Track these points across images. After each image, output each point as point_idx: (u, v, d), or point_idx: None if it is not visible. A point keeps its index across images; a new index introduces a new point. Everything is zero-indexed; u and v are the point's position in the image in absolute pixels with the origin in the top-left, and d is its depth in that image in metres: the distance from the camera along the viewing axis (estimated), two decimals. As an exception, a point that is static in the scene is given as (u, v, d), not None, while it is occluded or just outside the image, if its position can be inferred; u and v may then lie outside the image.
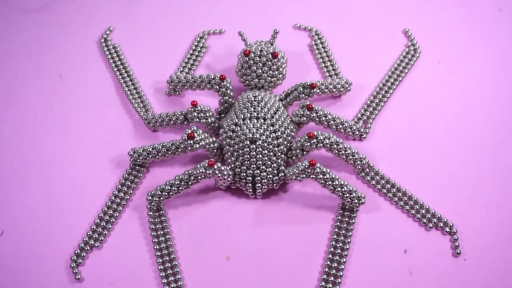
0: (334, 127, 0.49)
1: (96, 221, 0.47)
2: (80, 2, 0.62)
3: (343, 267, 0.44)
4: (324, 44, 0.58)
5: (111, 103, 0.55)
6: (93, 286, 0.44)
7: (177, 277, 0.44)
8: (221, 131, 0.48)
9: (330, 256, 0.44)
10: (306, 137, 0.46)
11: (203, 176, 0.45)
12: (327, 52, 0.57)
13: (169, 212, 0.48)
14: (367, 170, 0.49)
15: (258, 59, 0.50)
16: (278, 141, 0.47)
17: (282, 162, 0.47)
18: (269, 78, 0.51)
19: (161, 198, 0.46)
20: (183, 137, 0.47)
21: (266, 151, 0.46)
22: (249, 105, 0.48)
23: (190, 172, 0.45)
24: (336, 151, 0.47)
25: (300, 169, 0.44)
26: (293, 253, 0.45)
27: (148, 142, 0.51)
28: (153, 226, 0.46)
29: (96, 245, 0.46)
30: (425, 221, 0.46)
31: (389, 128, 0.52)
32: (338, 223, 0.46)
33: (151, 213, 0.47)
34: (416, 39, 0.58)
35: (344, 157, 0.47)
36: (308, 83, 0.50)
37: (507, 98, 0.54)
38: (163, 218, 0.47)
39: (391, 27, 0.59)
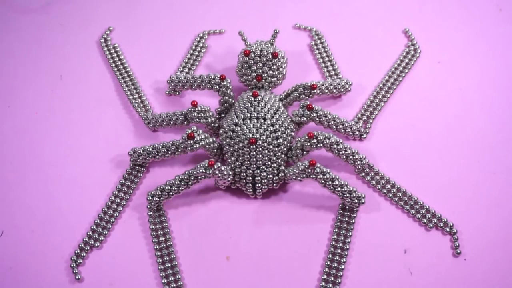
0: (334, 127, 0.49)
1: (96, 221, 0.47)
2: (80, 2, 0.62)
3: (343, 267, 0.44)
4: (324, 44, 0.58)
5: (111, 103, 0.55)
6: (93, 286, 0.44)
7: (177, 277, 0.44)
8: (221, 131, 0.48)
9: (330, 256, 0.44)
10: (306, 137, 0.46)
11: (203, 176, 0.45)
12: (327, 52, 0.57)
13: (169, 212, 0.48)
14: (367, 170, 0.49)
15: (258, 59, 0.50)
16: (278, 141, 0.47)
17: (282, 162, 0.47)
18: (269, 78, 0.51)
19: (161, 198, 0.46)
20: (183, 137, 0.47)
21: (266, 151, 0.46)
22: (249, 105, 0.48)
23: (190, 172, 0.45)
24: (336, 151, 0.47)
25: (300, 169, 0.44)
26: (293, 253, 0.45)
27: (148, 142, 0.51)
28: (153, 226, 0.46)
29: (96, 245, 0.46)
30: (425, 221, 0.46)
31: (389, 128, 0.52)
32: (338, 223, 0.46)
33: (151, 213, 0.47)
34: (416, 39, 0.58)
35: (344, 157, 0.47)
36: (309, 84, 0.50)
37: (507, 98, 0.54)
38: (163, 218, 0.47)
39: (391, 27, 0.59)
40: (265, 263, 0.45)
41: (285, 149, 0.47)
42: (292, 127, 0.49)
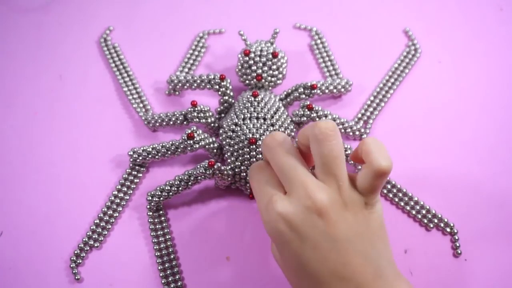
0: (334, 127, 0.50)
1: (95, 221, 0.47)
2: (80, 2, 0.62)
3: (343, 267, 0.44)
4: (324, 44, 0.58)
5: (111, 103, 0.55)
6: (93, 286, 0.44)
7: (177, 277, 0.44)
8: (221, 131, 0.48)
9: (330, 256, 0.44)
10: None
11: (203, 176, 0.45)
12: (327, 52, 0.57)
13: (169, 212, 0.48)
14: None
15: (258, 59, 0.50)
16: (278, 141, 0.46)
17: (282, 162, 0.47)
18: (269, 78, 0.51)
19: (161, 198, 0.46)
20: (183, 137, 0.47)
21: (266, 151, 0.46)
22: (249, 105, 0.48)
23: (190, 172, 0.45)
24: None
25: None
26: (293, 253, 0.45)
27: (148, 142, 0.51)
28: (153, 226, 0.46)
29: (96, 245, 0.46)
30: (425, 221, 0.46)
31: (389, 128, 0.52)
32: (338, 223, 0.46)
33: (151, 213, 0.47)
34: (417, 38, 0.58)
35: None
36: (309, 84, 0.50)
37: (507, 98, 0.54)
38: (163, 218, 0.47)
39: (392, 27, 0.59)
40: (265, 263, 0.45)
41: (285, 149, 0.47)
42: (292, 127, 0.49)
